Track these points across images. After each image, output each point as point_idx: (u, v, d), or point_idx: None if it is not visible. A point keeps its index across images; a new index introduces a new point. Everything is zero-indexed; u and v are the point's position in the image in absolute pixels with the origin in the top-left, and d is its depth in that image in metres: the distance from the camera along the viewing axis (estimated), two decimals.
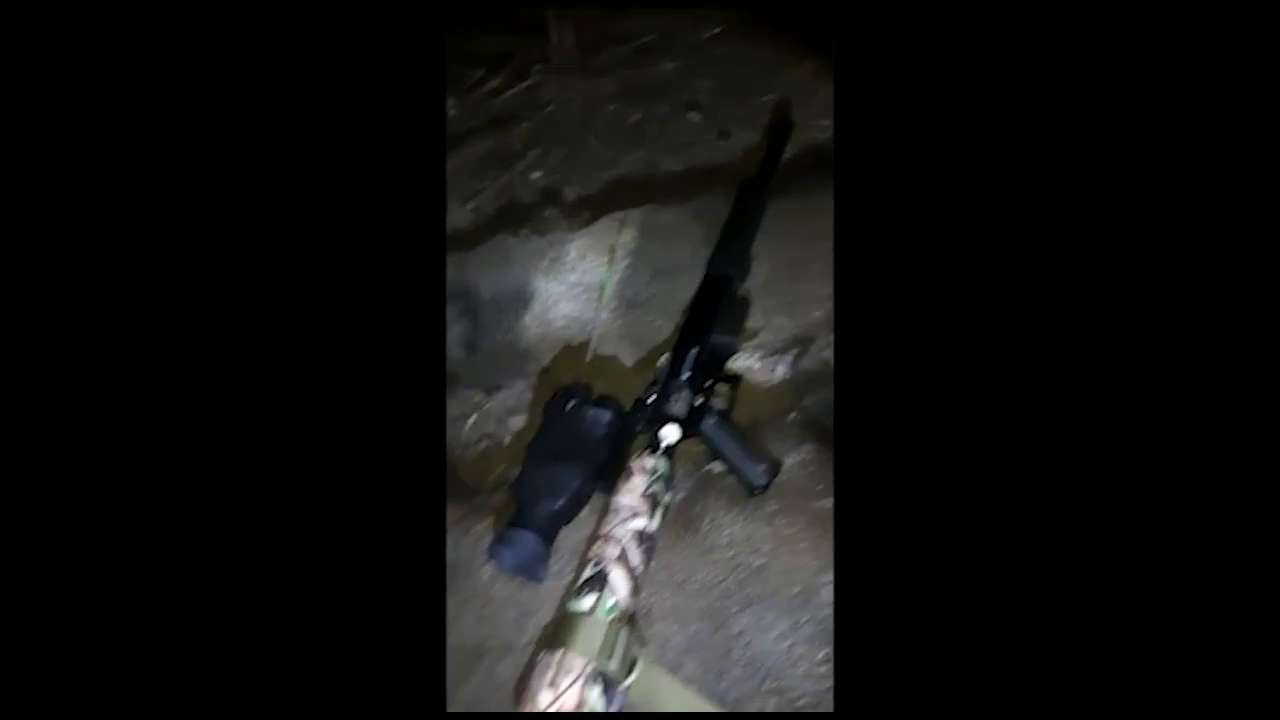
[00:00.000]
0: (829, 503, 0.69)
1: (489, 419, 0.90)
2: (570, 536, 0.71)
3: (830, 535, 0.67)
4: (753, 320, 0.87)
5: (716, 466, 0.75)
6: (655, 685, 0.61)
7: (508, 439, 0.86)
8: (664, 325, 0.88)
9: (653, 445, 0.72)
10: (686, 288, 0.86)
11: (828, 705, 0.61)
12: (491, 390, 0.91)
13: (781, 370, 0.86)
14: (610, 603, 0.62)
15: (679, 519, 0.72)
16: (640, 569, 0.65)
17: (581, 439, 0.73)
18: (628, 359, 0.86)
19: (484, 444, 0.87)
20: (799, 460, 0.73)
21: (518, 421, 0.88)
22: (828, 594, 0.64)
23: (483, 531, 0.73)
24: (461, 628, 0.68)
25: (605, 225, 0.97)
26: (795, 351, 0.87)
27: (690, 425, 0.73)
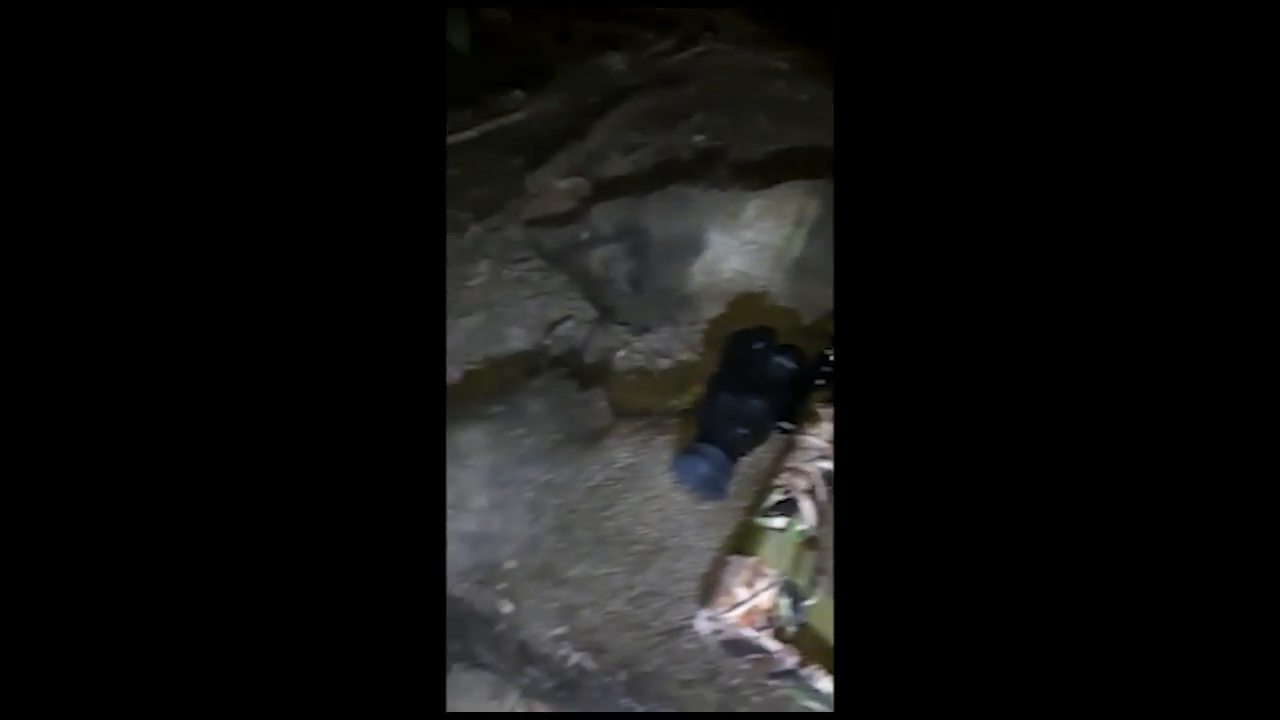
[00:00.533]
0: None
1: (637, 356, 0.94)
2: (745, 470, 0.74)
3: None
4: None
5: None
6: (830, 612, 0.64)
7: (658, 376, 0.90)
8: None
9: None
10: None
11: None
12: (640, 331, 0.95)
13: None
14: (800, 527, 0.66)
15: None
16: (826, 506, 0.69)
17: (765, 379, 0.77)
18: (802, 319, 0.90)
19: (633, 377, 0.91)
20: None
21: (664, 363, 0.92)
22: None
23: (662, 445, 0.77)
24: (646, 521, 0.73)
25: (785, 190, 1.00)
26: None
27: None
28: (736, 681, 0.65)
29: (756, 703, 0.64)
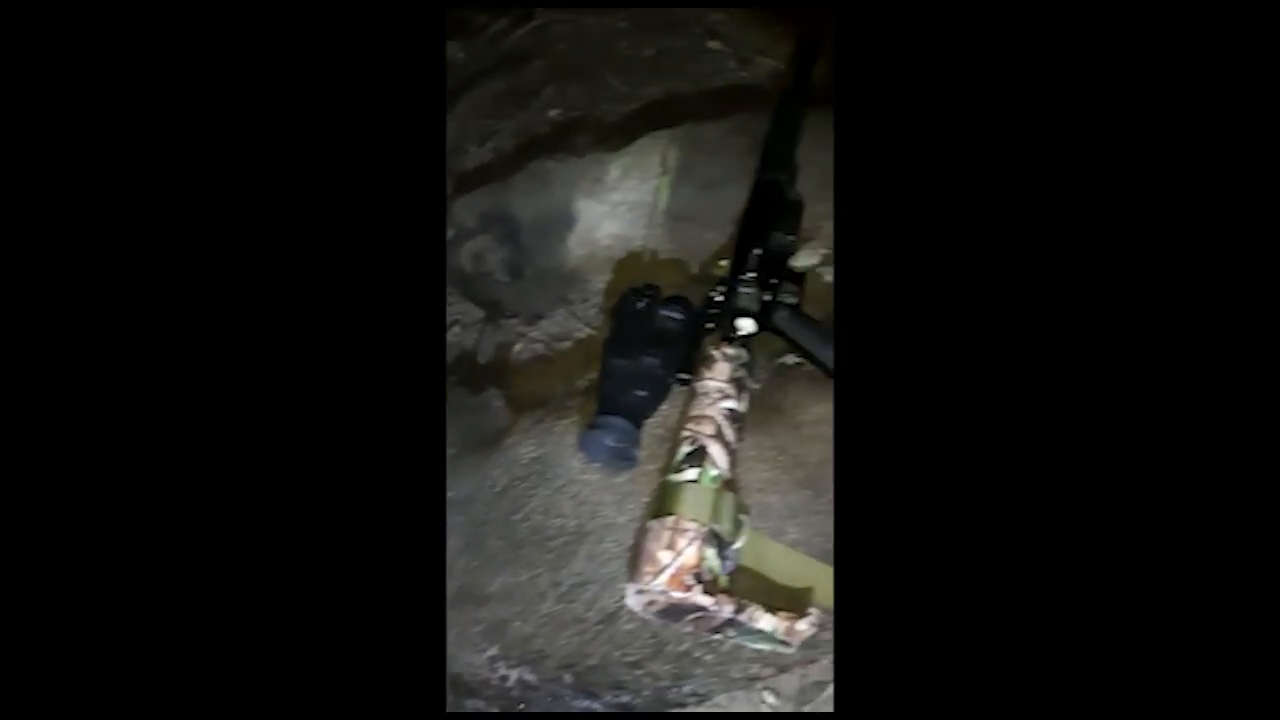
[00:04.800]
0: None
1: (536, 345, 0.90)
2: (652, 431, 0.72)
3: None
4: (807, 225, 0.87)
5: (790, 359, 0.77)
6: (763, 548, 0.63)
7: (560, 361, 0.87)
8: (716, 237, 0.88)
9: (729, 337, 0.73)
10: (735, 199, 0.87)
11: None
12: (533, 320, 0.91)
13: (829, 277, 0.89)
14: (713, 473, 0.63)
15: (762, 405, 0.73)
16: (734, 444, 0.66)
17: (657, 335, 0.74)
18: (688, 268, 0.87)
19: (537, 367, 0.87)
20: None
21: (565, 346, 0.88)
22: None
23: (566, 428, 0.74)
24: (560, 512, 0.69)
25: (646, 144, 0.97)
26: None
27: (762, 319, 0.75)
28: (684, 646, 0.62)
29: (709, 661, 0.62)
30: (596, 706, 0.62)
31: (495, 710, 0.64)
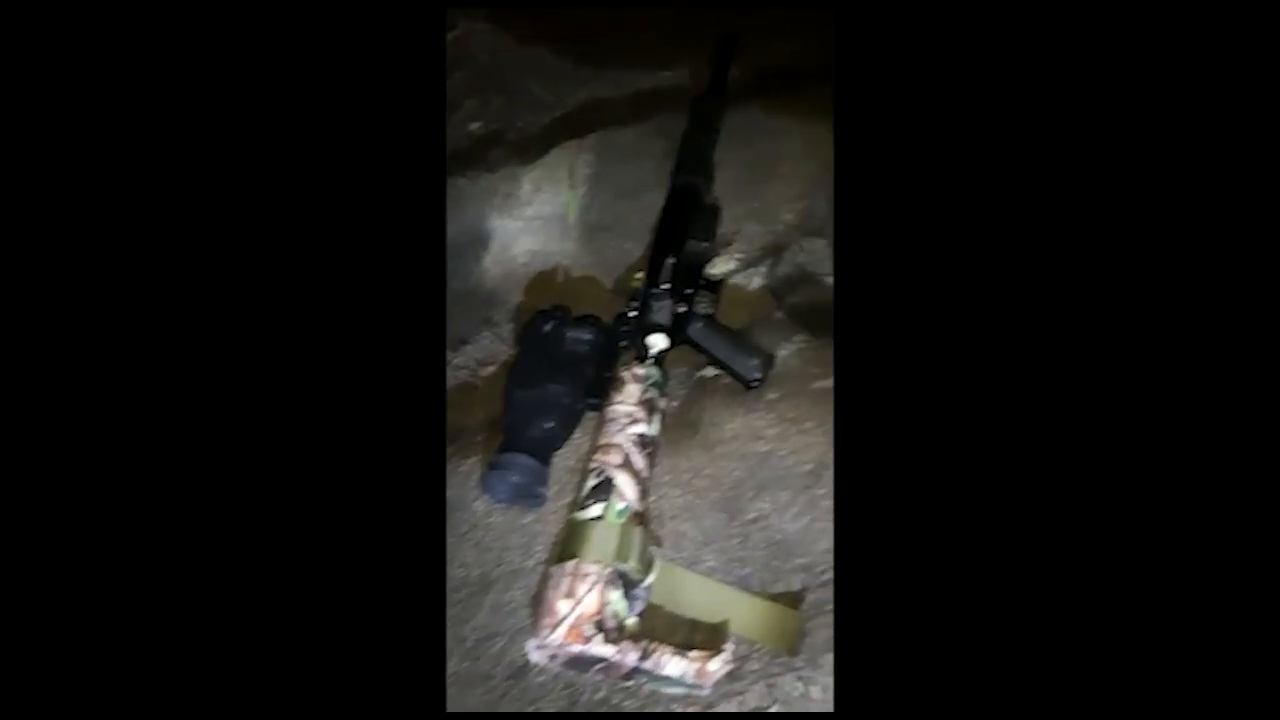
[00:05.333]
0: (829, 383, 0.67)
1: (460, 372, 0.86)
2: (565, 460, 0.68)
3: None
4: (725, 229, 0.84)
5: (709, 371, 0.73)
6: (676, 581, 0.59)
7: (486, 388, 0.82)
8: (634, 247, 0.84)
9: (640, 355, 0.69)
10: (653, 205, 0.83)
11: None
12: (458, 345, 0.87)
13: (758, 279, 0.85)
14: (619, 506, 0.59)
15: (678, 423, 0.69)
16: (645, 472, 0.62)
17: (565, 359, 0.69)
18: (603, 283, 0.83)
19: (459, 396, 0.83)
20: (793, 349, 0.72)
21: (489, 371, 0.84)
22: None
23: (472, 468, 0.69)
24: (463, 562, 0.64)
25: (559, 155, 0.93)
26: (770, 261, 0.85)
27: (676, 332, 0.71)
28: (601, 694, 0.58)
29: (630, 707, 0.57)
30: None
31: None
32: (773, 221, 0.87)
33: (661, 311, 0.71)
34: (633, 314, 0.72)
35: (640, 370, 0.67)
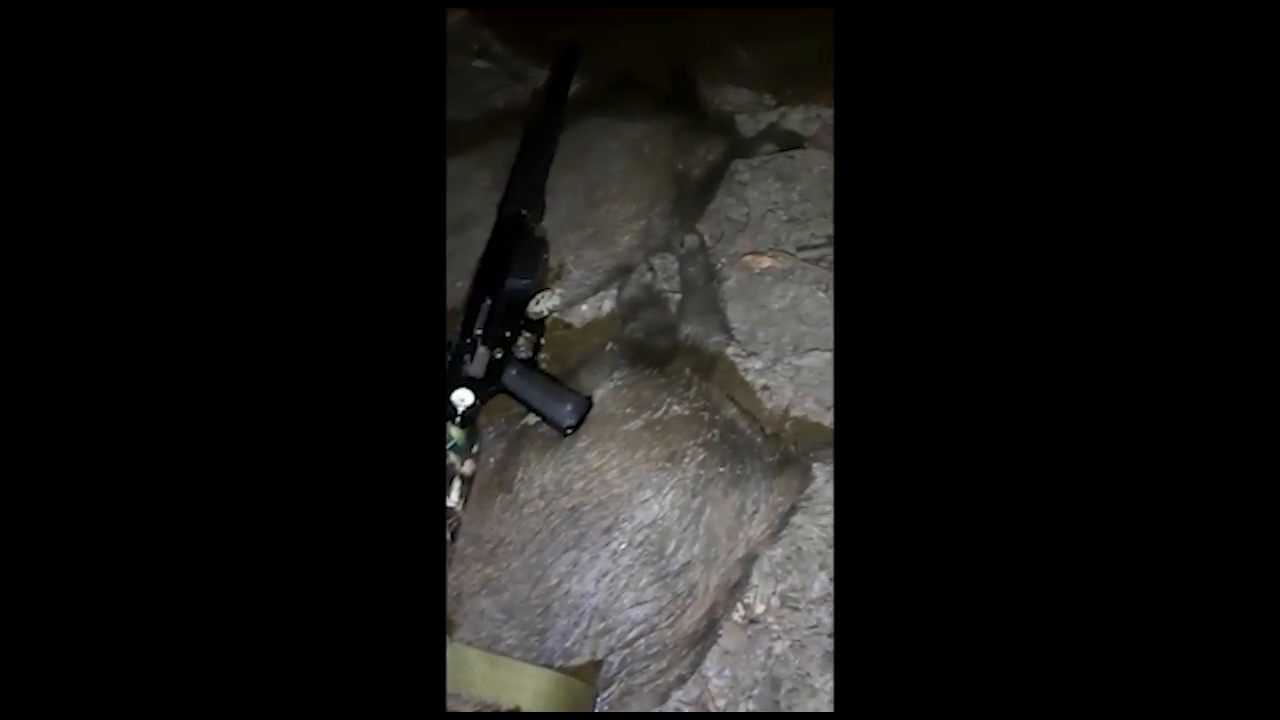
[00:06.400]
0: (640, 421, 0.65)
1: None
2: None
3: (642, 451, 0.64)
4: (561, 257, 0.81)
5: (531, 418, 0.70)
6: (468, 667, 0.56)
7: None
8: (464, 284, 0.79)
9: (449, 415, 0.66)
10: (483, 238, 0.79)
11: (665, 629, 0.58)
12: None
13: (608, 304, 0.82)
14: None
15: (492, 482, 0.66)
16: (448, 551, 0.59)
17: None
18: None
19: None
20: (610, 389, 0.69)
21: None
22: (642, 514, 0.61)
23: None
24: None
25: None
26: (617, 283, 0.82)
27: (490, 382, 0.68)
28: None
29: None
30: None
31: None
32: (612, 244, 0.83)
33: (475, 362, 0.68)
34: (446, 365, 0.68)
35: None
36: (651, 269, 0.83)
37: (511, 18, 1.09)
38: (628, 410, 0.64)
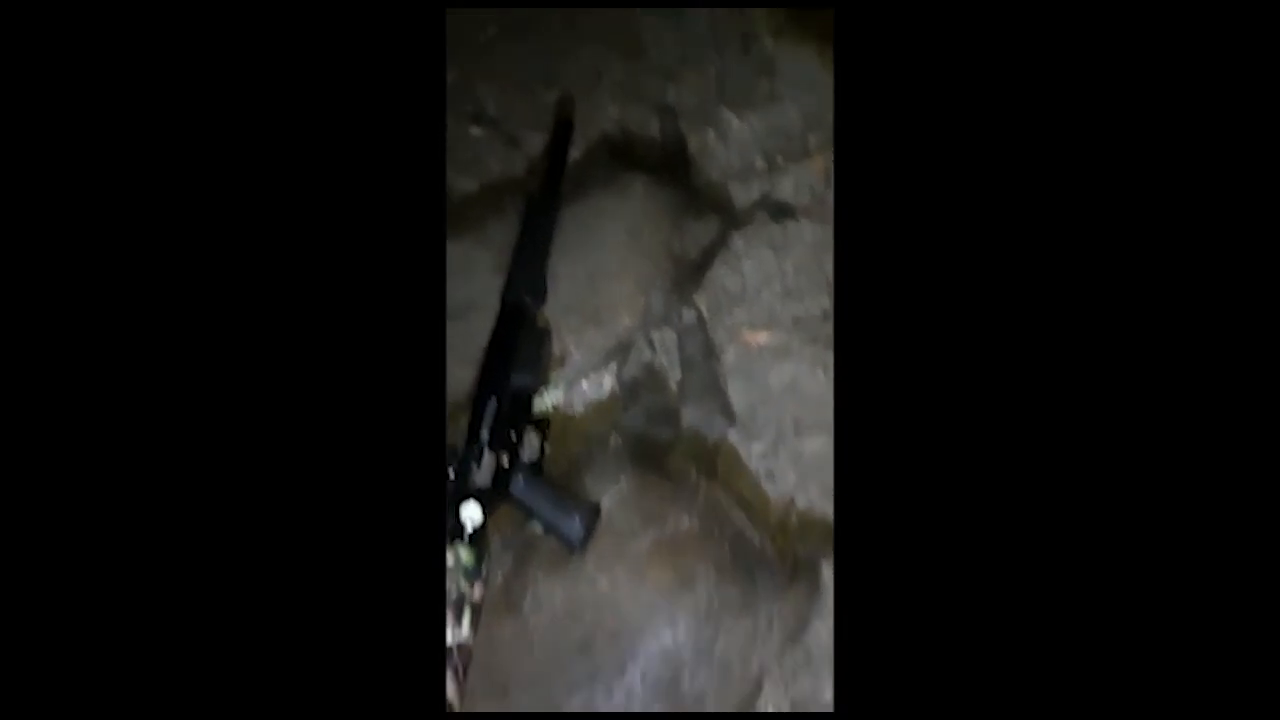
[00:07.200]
0: (648, 540, 0.64)
1: None
2: None
3: (653, 573, 0.63)
4: (563, 341, 0.80)
5: (537, 527, 0.69)
6: None
7: None
8: (467, 374, 0.78)
9: (456, 532, 0.64)
10: (485, 326, 0.78)
11: None
12: None
13: (608, 383, 0.81)
14: None
15: (501, 602, 0.65)
16: (460, 685, 0.59)
17: None
18: None
19: None
20: (617, 498, 0.68)
21: None
22: (655, 645, 0.60)
23: None
24: None
25: None
26: (616, 362, 0.81)
27: (497, 493, 0.67)
28: None
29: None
30: None
31: None
32: (613, 323, 0.82)
33: (482, 471, 0.67)
34: (452, 477, 0.66)
35: (449, 557, 0.62)
36: (651, 345, 0.83)
37: (511, 75, 1.08)
38: (635, 524, 0.63)
